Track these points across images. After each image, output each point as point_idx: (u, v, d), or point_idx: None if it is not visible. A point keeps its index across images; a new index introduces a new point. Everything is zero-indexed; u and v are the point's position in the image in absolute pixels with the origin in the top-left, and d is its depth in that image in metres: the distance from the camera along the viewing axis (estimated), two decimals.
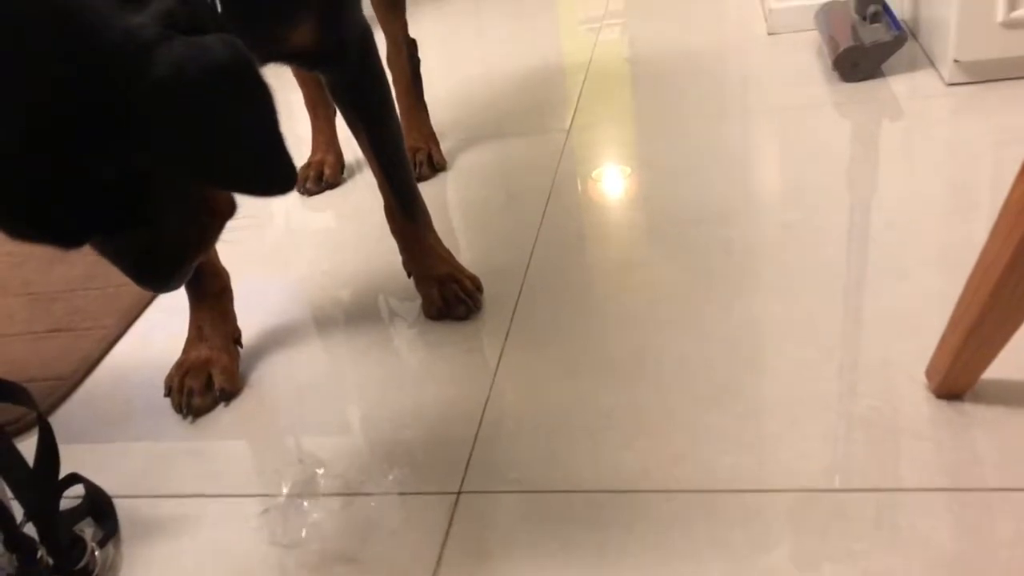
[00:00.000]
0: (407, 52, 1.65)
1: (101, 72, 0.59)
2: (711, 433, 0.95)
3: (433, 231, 1.26)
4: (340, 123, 1.75)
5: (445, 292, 1.23)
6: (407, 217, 1.22)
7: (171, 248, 0.72)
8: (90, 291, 1.45)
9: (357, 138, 1.17)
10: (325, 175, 1.68)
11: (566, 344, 1.14)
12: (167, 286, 0.75)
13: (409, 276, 1.27)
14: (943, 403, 0.93)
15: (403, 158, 1.21)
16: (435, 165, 1.66)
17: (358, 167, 1.75)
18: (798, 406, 0.97)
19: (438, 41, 2.48)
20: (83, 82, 0.59)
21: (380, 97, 1.16)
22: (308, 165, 1.70)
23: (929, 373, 0.94)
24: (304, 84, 1.66)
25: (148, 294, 1.40)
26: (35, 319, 1.40)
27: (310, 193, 1.67)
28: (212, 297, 1.18)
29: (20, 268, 1.56)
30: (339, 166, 1.71)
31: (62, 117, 0.59)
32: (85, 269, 1.51)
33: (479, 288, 1.26)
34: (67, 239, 0.66)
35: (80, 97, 0.59)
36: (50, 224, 0.64)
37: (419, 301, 1.26)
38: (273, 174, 0.66)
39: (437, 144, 1.69)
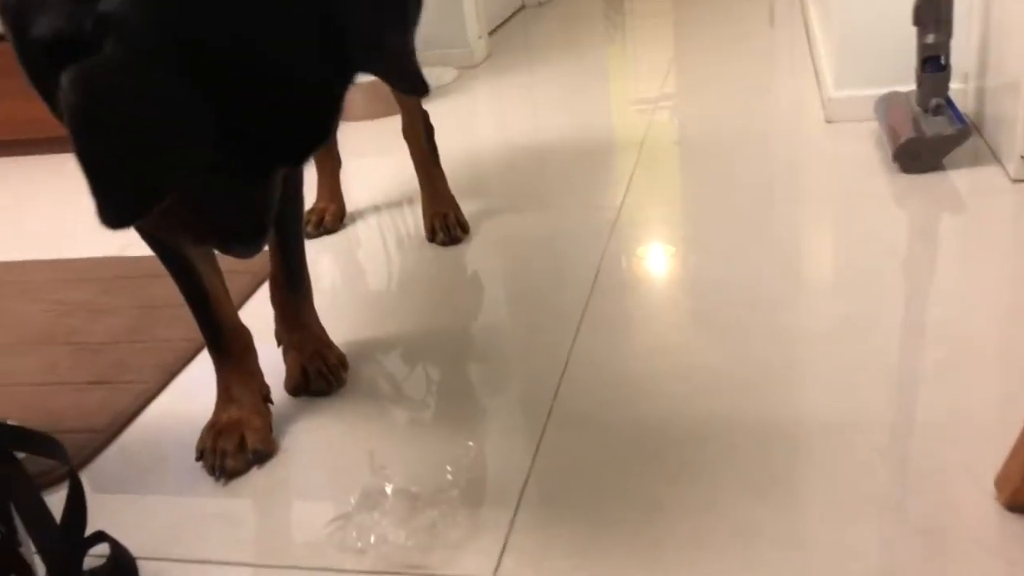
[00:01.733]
0: (422, 122, 1.68)
1: None
2: (759, 528, 0.90)
3: (312, 306, 1.28)
4: (343, 175, 1.82)
5: (308, 367, 1.25)
6: (291, 289, 1.24)
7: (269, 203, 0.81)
8: (134, 344, 1.45)
9: None
10: (324, 221, 1.80)
11: (610, 427, 1.10)
12: (259, 246, 0.82)
13: (279, 345, 1.28)
14: (1015, 517, 0.87)
15: (301, 233, 1.26)
16: (464, 227, 1.69)
17: (359, 215, 1.86)
18: (850, 506, 0.92)
19: (492, 113, 2.52)
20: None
21: (297, 174, 1.19)
22: (311, 211, 1.79)
23: (999, 483, 0.89)
24: None
25: (191, 349, 1.39)
26: (77, 369, 1.40)
27: (307, 236, 1.71)
28: (236, 356, 1.16)
29: (68, 317, 1.57)
30: (340, 215, 1.82)
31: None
32: (131, 322, 1.52)
33: (344, 365, 1.27)
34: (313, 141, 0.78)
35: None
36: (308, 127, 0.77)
37: (459, 369, 1.24)
38: (419, 75, 0.81)
39: (458, 207, 1.72)
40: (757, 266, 1.43)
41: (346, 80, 0.78)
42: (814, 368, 1.16)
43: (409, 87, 0.81)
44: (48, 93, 0.83)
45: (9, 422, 0.84)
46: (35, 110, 0.92)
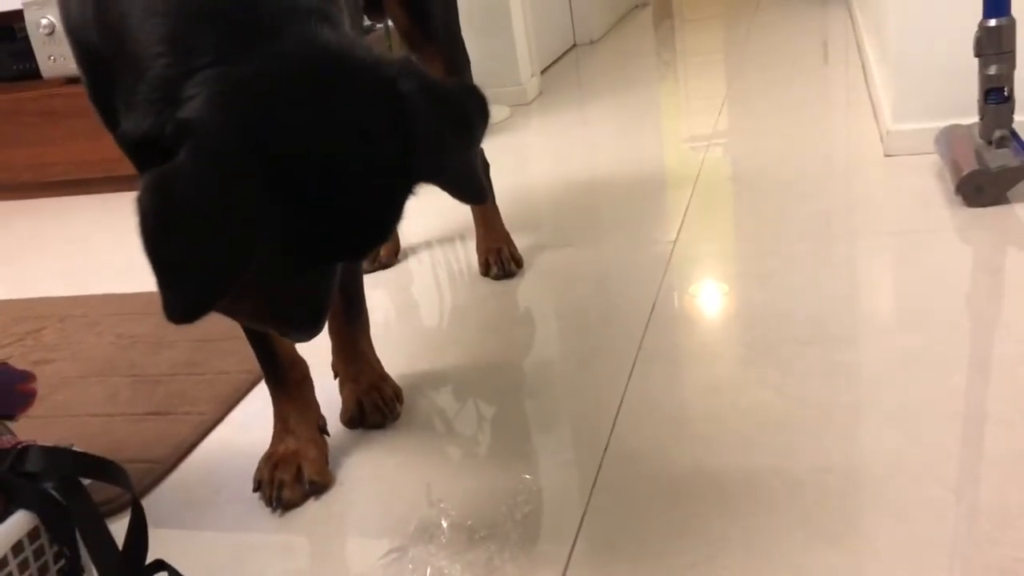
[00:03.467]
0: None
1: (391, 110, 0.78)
2: (824, 569, 0.88)
3: (369, 338, 1.28)
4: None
5: (364, 400, 1.25)
6: (348, 319, 1.25)
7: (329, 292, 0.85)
8: (192, 376, 1.47)
9: None
10: (380, 256, 1.80)
11: (668, 464, 1.08)
12: (316, 333, 0.86)
13: (335, 377, 1.28)
14: None
15: (359, 266, 1.30)
16: (517, 261, 1.70)
17: (413, 251, 1.88)
18: (925, 550, 0.88)
19: (545, 150, 2.53)
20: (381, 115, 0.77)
21: None
22: None
23: None
24: None
25: (248, 381, 1.41)
26: (137, 401, 1.42)
27: (363, 271, 1.72)
28: (293, 387, 1.17)
29: (128, 350, 1.60)
30: (395, 250, 1.84)
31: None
32: (189, 354, 1.54)
33: (399, 398, 1.28)
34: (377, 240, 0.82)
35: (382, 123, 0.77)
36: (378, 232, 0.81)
37: (514, 404, 1.23)
38: (478, 187, 0.86)
39: (512, 242, 1.72)
40: (817, 302, 1.41)
41: (410, 189, 0.81)
42: (878, 406, 1.13)
43: (469, 198, 0.84)
44: (114, 129, 0.86)
45: (75, 448, 0.86)
46: (101, 151, 0.95)
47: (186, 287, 0.71)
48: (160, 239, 0.70)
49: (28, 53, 2.63)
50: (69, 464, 0.82)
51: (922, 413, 1.09)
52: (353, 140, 0.76)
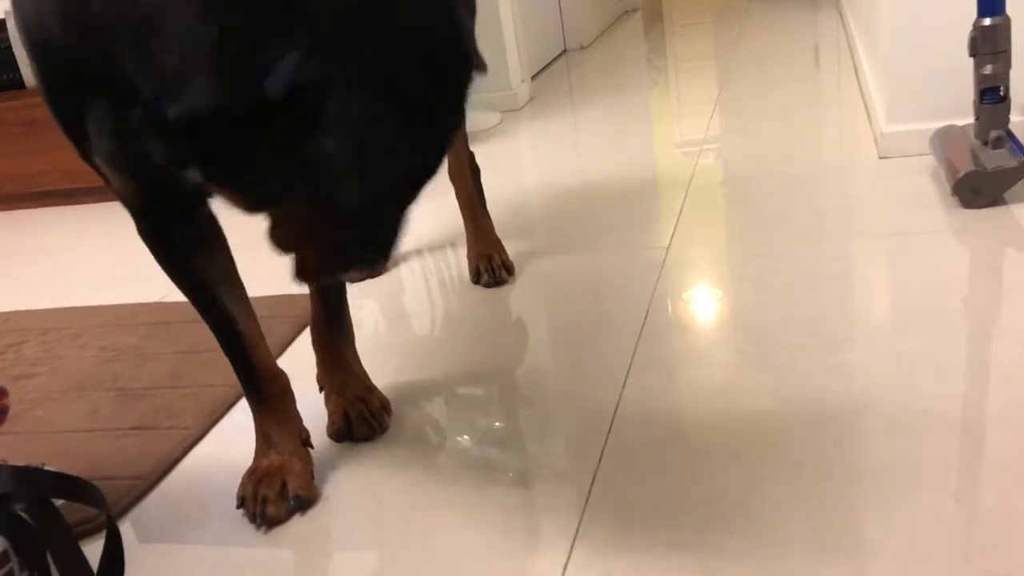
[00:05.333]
0: (468, 163, 1.66)
1: None
2: None
3: (353, 348, 1.26)
4: None
5: (351, 411, 1.22)
6: (332, 331, 1.22)
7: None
8: (177, 389, 1.44)
9: None
10: None
11: (665, 476, 1.05)
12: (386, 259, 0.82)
13: (321, 390, 1.25)
14: None
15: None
16: (508, 268, 1.67)
17: (403, 258, 1.86)
18: (930, 561, 0.86)
19: (536, 156, 2.51)
20: None
21: None
22: None
23: None
24: None
25: (233, 395, 1.38)
26: (119, 415, 1.39)
27: (351, 280, 1.69)
28: (274, 400, 1.14)
29: (112, 363, 1.57)
30: None
31: None
32: (174, 367, 1.51)
33: (387, 410, 1.25)
34: None
35: None
36: None
37: (507, 413, 1.20)
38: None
39: (503, 249, 1.70)
40: (812, 305, 1.38)
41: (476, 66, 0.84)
42: (875, 411, 1.10)
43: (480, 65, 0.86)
44: (80, 139, 0.82)
45: (47, 467, 0.82)
46: (81, 161, 0.92)
47: (383, 227, 0.77)
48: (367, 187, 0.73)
49: (11, 63, 2.60)
50: (40, 484, 0.79)
51: (920, 418, 1.07)
52: (434, 38, 0.77)
